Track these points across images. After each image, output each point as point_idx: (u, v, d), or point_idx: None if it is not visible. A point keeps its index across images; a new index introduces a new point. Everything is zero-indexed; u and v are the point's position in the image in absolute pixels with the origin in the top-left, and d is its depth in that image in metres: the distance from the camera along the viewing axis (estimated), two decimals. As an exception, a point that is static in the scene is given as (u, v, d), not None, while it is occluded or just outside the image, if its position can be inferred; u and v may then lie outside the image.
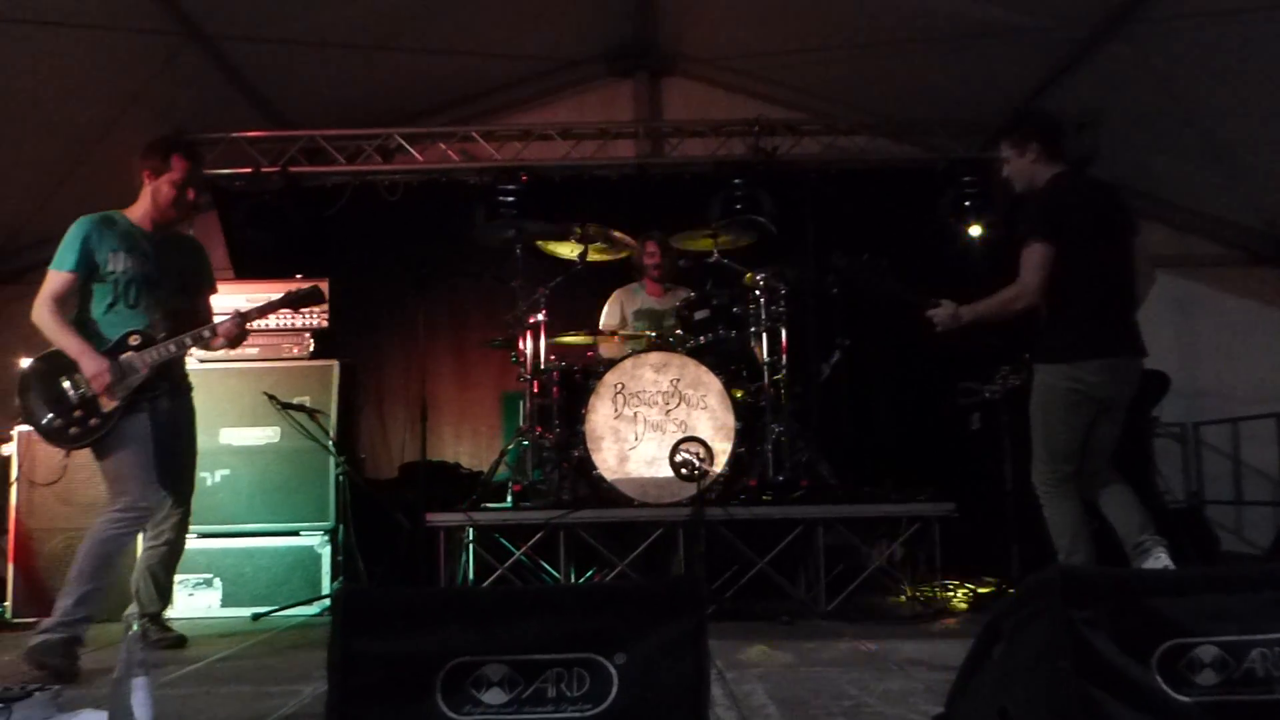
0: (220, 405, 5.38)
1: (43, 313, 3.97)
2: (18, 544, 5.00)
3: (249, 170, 7.12)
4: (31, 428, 4.06)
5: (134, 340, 4.06)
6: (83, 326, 4.04)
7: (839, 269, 4.73)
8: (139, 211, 4.22)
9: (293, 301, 4.46)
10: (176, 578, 5.13)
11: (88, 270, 4.03)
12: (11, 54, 5.30)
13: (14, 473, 5.18)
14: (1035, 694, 2.02)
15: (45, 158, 6.12)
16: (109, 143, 6.23)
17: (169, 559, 4.32)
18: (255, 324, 5.21)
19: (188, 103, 6.62)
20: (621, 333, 5.84)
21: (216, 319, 4.34)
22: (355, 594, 1.92)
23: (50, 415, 3.96)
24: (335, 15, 6.20)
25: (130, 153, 6.21)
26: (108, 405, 3.96)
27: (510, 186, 6.97)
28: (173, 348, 4.10)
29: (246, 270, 7.10)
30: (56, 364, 3.99)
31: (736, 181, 6.87)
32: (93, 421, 3.96)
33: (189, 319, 4.28)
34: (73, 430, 3.95)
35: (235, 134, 7.10)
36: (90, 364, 3.92)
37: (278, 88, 7.02)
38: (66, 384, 3.97)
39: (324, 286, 5.64)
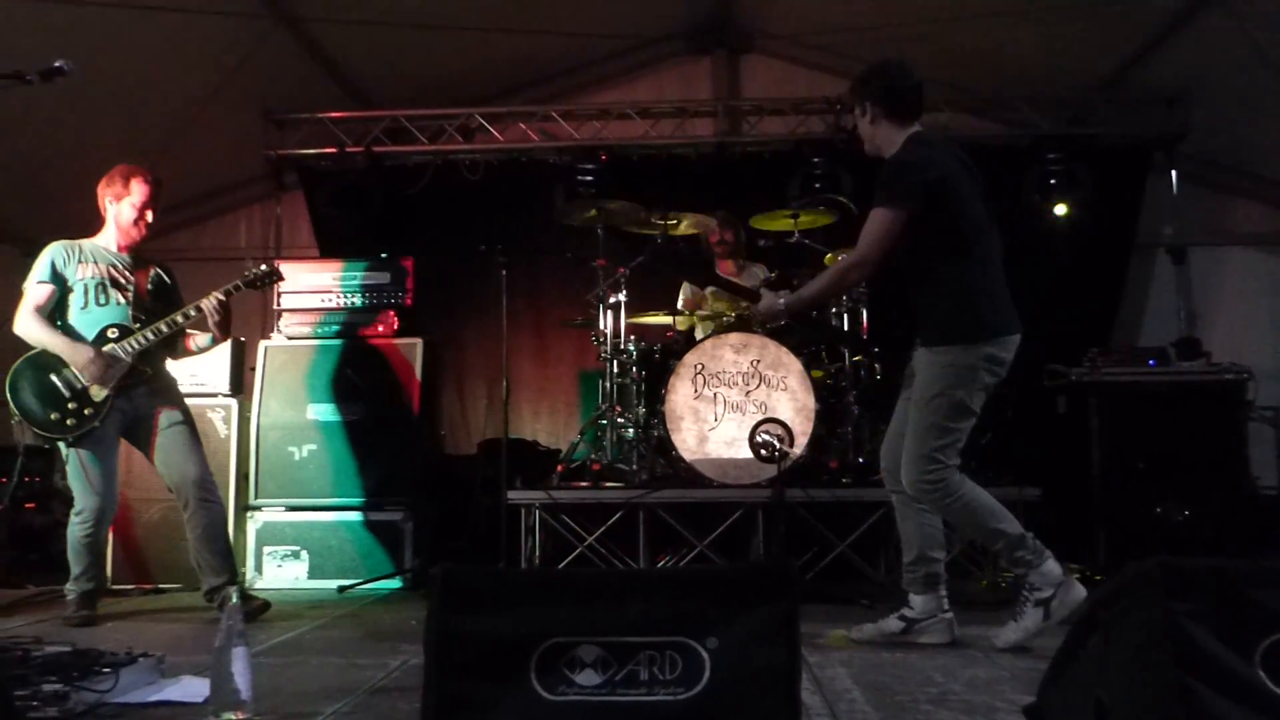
0: (307, 382, 5.52)
1: (26, 321, 4.28)
2: (118, 514, 5.15)
3: (334, 150, 7.26)
4: (30, 424, 4.25)
5: (112, 333, 4.31)
6: (62, 332, 4.30)
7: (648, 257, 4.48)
8: (105, 238, 4.49)
9: (251, 282, 4.54)
10: (266, 549, 5.33)
11: (60, 283, 4.33)
12: (112, 38, 5.43)
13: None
14: (1133, 686, 1.98)
15: (143, 137, 6.28)
16: (202, 124, 6.39)
17: (210, 533, 4.41)
18: (340, 301, 5.43)
19: (276, 84, 6.77)
20: (699, 313, 5.84)
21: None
22: (453, 572, 1.94)
23: (45, 409, 4.21)
24: (418, -4, 6.27)
25: (222, 133, 6.40)
26: (99, 394, 4.24)
27: (589, 166, 7.01)
28: (150, 335, 4.31)
29: (331, 249, 7.25)
30: (42, 362, 4.25)
31: (816, 160, 6.82)
32: (87, 411, 4.23)
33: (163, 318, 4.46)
34: (70, 421, 4.21)
35: (321, 114, 7.23)
36: (79, 355, 4.21)
37: (362, 69, 7.13)
38: (56, 379, 4.23)
39: (408, 265, 5.77)
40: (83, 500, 4.27)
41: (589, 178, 6.93)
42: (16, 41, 4.94)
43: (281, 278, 4.70)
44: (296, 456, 5.45)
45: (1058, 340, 5.89)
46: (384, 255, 5.83)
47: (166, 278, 4.65)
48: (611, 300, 5.42)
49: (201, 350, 4.62)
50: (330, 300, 5.70)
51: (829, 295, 3.63)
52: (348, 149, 7.24)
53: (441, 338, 6.49)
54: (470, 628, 1.92)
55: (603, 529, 4.93)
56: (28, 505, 5.86)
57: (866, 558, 4.94)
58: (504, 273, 5.11)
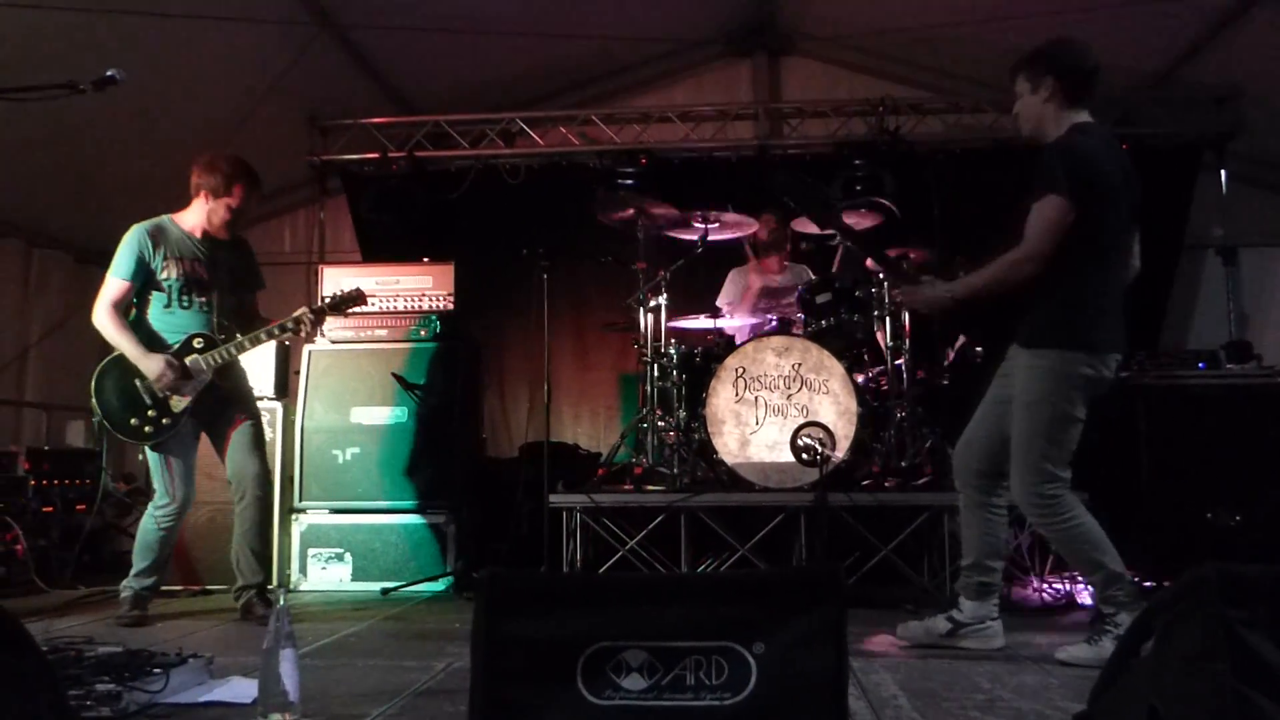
0: (351, 385, 5.57)
1: (103, 316, 4.27)
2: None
3: (376, 155, 7.33)
4: (109, 426, 4.32)
5: (198, 343, 4.34)
6: (140, 328, 4.33)
7: (778, 181, 4.30)
8: (190, 221, 4.46)
9: (336, 305, 4.59)
10: (310, 551, 5.38)
11: (143, 278, 4.33)
12: (158, 47, 5.52)
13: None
14: (1188, 695, 1.95)
15: (189, 146, 6.32)
16: (247, 130, 6.46)
17: (256, 532, 4.48)
18: (383, 305, 5.51)
19: (320, 90, 6.84)
20: (740, 316, 5.83)
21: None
22: (500, 576, 1.95)
23: (126, 414, 4.27)
24: (459, 2, 6.30)
25: (267, 139, 6.46)
26: (178, 405, 4.29)
27: (630, 169, 7.02)
28: (233, 350, 4.36)
29: (373, 253, 7.32)
30: (129, 365, 4.27)
31: (858, 162, 6.76)
32: (165, 420, 4.29)
33: (242, 318, 4.55)
34: (148, 429, 4.28)
35: (364, 120, 7.31)
36: (151, 365, 4.22)
37: (404, 74, 7.20)
38: (140, 385, 4.28)
39: (449, 269, 5.80)
40: (166, 493, 4.36)
41: (629, 181, 6.94)
42: (67, 52, 5.03)
43: (365, 301, 4.69)
44: (340, 459, 5.50)
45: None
46: (426, 259, 5.88)
47: (244, 266, 4.66)
48: (652, 303, 5.42)
49: (286, 337, 4.70)
50: (373, 304, 5.74)
51: (996, 290, 3.44)
52: (390, 154, 7.31)
53: (483, 341, 6.53)
54: (517, 631, 1.93)
55: (644, 533, 4.93)
56: (79, 507, 5.96)
57: (910, 562, 4.90)
58: (545, 276, 5.12)
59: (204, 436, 4.54)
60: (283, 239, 8.07)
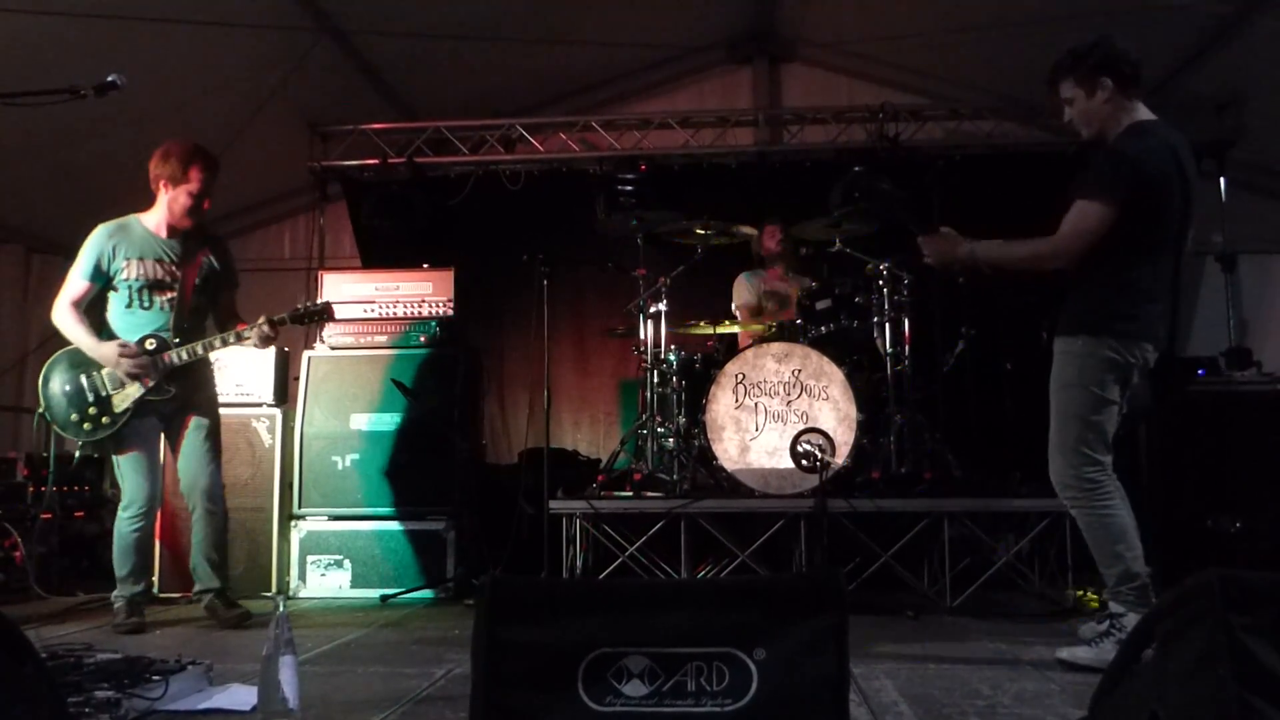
0: (350, 391, 5.56)
1: (59, 312, 4.29)
2: (164, 523, 5.22)
3: (376, 161, 7.34)
4: (51, 421, 4.32)
5: (150, 344, 4.30)
6: (102, 329, 4.33)
7: (851, 179, 4.32)
8: (155, 219, 4.42)
9: (299, 317, 4.52)
10: (310, 557, 5.37)
11: (104, 279, 4.32)
12: (160, 53, 5.51)
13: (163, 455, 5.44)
14: (1191, 702, 1.95)
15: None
16: (247, 136, 6.47)
17: (211, 541, 4.47)
18: (383, 311, 5.49)
19: (320, 96, 6.84)
20: (748, 324, 5.84)
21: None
22: (501, 582, 1.95)
23: (69, 410, 4.26)
24: (460, 8, 6.31)
25: (267, 145, 6.47)
26: (120, 405, 4.27)
27: (630, 175, 7.02)
28: (185, 355, 4.32)
29: (373, 259, 7.33)
30: (76, 361, 4.28)
31: (858, 169, 6.76)
32: (105, 419, 4.26)
33: (217, 317, 4.55)
34: (86, 425, 4.26)
35: (364, 126, 7.32)
36: (105, 352, 4.22)
37: (404, 80, 7.20)
38: (84, 381, 4.27)
39: (449, 275, 5.80)
40: (128, 494, 4.33)
41: (629, 187, 6.94)
42: (67, 58, 5.03)
43: (333, 317, 4.73)
44: (340, 466, 5.49)
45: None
46: (426, 265, 5.88)
47: (217, 264, 4.57)
48: (652, 310, 5.42)
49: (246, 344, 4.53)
50: (373, 310, 5.74)
51: (1015, 269, 3.55)
52: (390, 160, 7.32)
53: (483, 347, 6.53)
54: (518, 637, 1.92)
55: (644, 539, 4.92)
56: (77, 514, 5.95)
57: (910, 568, 4.90)
58: (545, 282, 5.12)
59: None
60: (283, 245, 8.08)
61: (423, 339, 5.71)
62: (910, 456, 5.16)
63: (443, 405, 5.48)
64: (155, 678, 2.79)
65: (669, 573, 4.98)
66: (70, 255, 6.78)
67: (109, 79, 3.39)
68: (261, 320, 4.33)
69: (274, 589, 5.27)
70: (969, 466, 5.28)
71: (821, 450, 4.78)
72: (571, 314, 7.39)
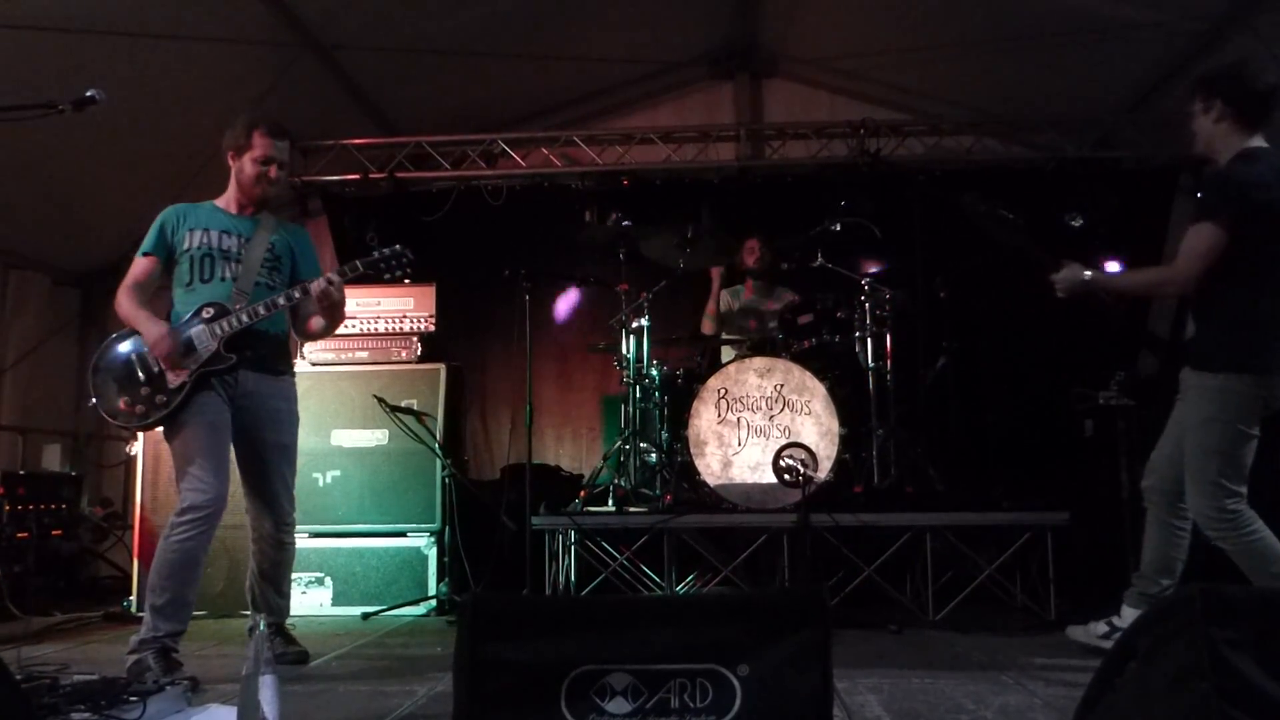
0: (331, 408, 5.53)
1: (120, 295, 3.84)
2: (142, 540, 5.18)
3: (357, 176, 7.33)
4: (100, 409, 3.80)
5: (207, 312, 3.78)
6: (168, 311, 3.89)
7: (969, 203, 4.41)
8: (225, 198, 4.07)
9: (373, 264, 3.95)
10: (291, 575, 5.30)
11: (167, 253, 3.90)
12: (139, 67, 5.49)
13: (139, 471, 5.39)
14: (1172, 716, 1.95)
15: (166, 169, 6.31)
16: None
17: (279, 573, 3.99)
18: (364, 327, 5.36)
19: (301, 111, 6.81)
20: (725, 337, 5.84)
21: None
22: (483, 599, 1.94)
23: (118, 394, 3.73)
24: (442, 24, 6.31)
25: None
26: (174, 380, 3.71)
27: (611, 190, 7.03)
28: (245, 317, 3.76)
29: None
30: (124, 338, 3.82)
31: (969, 195, 6.78)
32: (159, 399, 3.69)
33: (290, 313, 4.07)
34: (139, 408, 3.71)
35: (345, 141, 7.30)
36: (151, 329, 3.69)
37: (386, 96, 7.19)
38: (135, 360, 3.75)
39: (430, 291, 5.78)
40: (184, 493, 3.63)
41: (611, 203, 6.95)
42: (46, 73, 5.01)
43: (412, 260, 4.00)
44: (321, 483, 5.46)
45: (1085, 363, 5.87)
46: (407, 280, 5.82)
47: (293, 245, 4.11)
48: (634, 325, 5.42)
49: (321, 333, 4.13)
50: (354, 326, 5.72)
51: (1132, 295, 3.79)
52: (371, 175, 7.31)
53: (465, 363, 6.49)
54: (500, 655, 1.92)
55: (627, 554, 4.91)
56: (54, 532, 5.89)
57: (893, 582, 4.90)
58: (527, 297, 5.11)
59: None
60: (263, 260, 8.02)
61: (404, 354, 5.70)
62: (893, 471, 5.17)
63: (424, 421, 5.45)
64: (133, 699, 2.76)
65: (652, 588, 4.97)
66: (48, 272, 6.74)
67: (88, 94, 3.35)
68: (324, 276, 3.84)
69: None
70: (951, 480, 5.30)
71: (804, 465, 4.79)
72: (553, 329, 7.35)
